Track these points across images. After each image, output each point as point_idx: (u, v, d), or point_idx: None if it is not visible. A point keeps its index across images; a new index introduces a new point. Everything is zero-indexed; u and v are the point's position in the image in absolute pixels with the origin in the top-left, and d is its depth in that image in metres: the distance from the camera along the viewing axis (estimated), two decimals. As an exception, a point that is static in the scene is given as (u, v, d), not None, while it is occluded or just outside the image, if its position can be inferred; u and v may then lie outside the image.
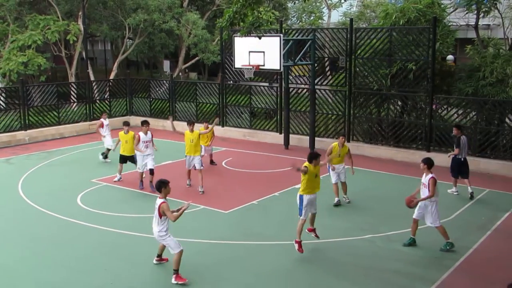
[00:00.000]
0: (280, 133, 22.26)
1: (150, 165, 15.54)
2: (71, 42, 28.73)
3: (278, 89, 22.56)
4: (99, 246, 11.74)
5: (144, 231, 12.18)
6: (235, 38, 19.41)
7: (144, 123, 15.82)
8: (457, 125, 15.86)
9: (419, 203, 11.32)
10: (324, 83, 22.08)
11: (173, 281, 9.88)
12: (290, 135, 21.54)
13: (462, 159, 15.12)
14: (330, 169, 14.33)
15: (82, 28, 28.23)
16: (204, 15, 33.69)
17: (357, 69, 20.46)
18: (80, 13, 28.69)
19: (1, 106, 23.19)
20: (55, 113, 24.47)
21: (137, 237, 12.14)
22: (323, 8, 33.41)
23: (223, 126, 24.16)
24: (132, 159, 16.36)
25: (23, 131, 23.06)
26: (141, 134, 15.52)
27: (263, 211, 14.00)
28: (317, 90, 21.13)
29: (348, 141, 20.47)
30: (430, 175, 11.15)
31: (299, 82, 22.48)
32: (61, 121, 24.61)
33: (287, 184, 16.07)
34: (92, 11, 30.66)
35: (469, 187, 14.99)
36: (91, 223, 12.99)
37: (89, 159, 19.71)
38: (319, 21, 31.90)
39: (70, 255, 11.21)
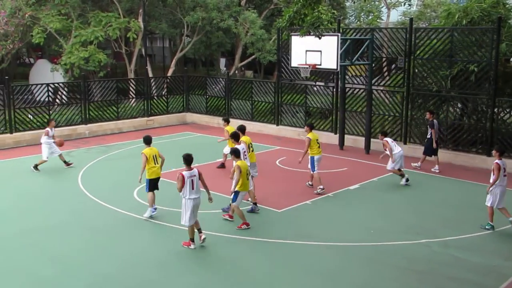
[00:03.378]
0: (335, 133, 22.07)
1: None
2: (131, 39, 29.36)
3: (334, 89, 22.39)
4: (153, 239, 11.98)
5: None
6: (293, 37, 19.38)
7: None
8: (430, 110, 17.99)
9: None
10: (382, 84, 21.74)
11: None
12: (345, 136, 21.33)
13: (436, 140, 17.37)
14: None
15: (142, 26, 28.84)
16: (261, 14, 33.77)
17: (416, 70, 20.04)
18: (140, 10, 29.31)
19: (63, 101, 24.00)
20: (114, 108, 25.10)
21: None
22: (382, 7, 32.91)
23: (277, 124, 24.20)
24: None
25: (83, 125, 23.78)
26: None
27: (316, 211, 13.92)
28: (374, 91, 20.84)
29: (405, 143, 20.11)
30: (495, 161, 12.21)
31: (355, 82, 22.20)
32: (119, 116, 25.22)
33: (341, 185, 15.95)
34: (152, 9, 31.25)
35: (437, 165, 17.59)
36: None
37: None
38: (378, 20, 31.44)
39: (126, 248, 11.48)
